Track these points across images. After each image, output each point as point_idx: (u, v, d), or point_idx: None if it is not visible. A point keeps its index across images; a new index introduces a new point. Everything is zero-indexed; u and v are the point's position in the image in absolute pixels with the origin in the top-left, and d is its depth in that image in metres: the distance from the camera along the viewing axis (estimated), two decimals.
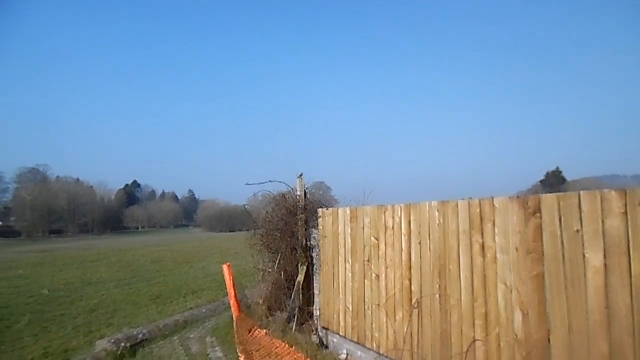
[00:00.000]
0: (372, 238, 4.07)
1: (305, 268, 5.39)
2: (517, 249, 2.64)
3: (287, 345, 4.44)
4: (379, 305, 3.92)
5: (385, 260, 3.87)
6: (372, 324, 4.01)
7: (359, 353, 4.22)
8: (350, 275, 4.41)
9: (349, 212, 4.49)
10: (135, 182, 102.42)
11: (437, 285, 3.25)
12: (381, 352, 3.84)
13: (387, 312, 3.79)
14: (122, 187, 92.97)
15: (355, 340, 4.25)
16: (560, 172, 59.81)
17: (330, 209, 4.94)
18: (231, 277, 6.00)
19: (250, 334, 5.06)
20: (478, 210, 2.94)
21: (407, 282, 3.58)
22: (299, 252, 5.48)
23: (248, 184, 6.08)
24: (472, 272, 2.95)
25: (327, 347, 4.78)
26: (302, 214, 5.55)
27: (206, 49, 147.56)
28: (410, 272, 3.55)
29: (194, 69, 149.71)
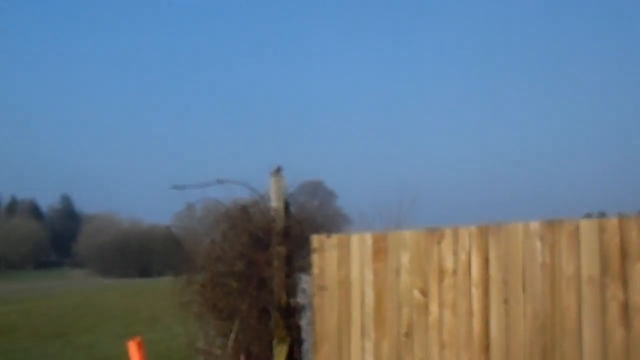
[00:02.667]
0: (416, 291, 2.92)
1: (285, 347, 3.72)
2: None
3: None
4: None
5: (441, 333, 2.77)
6: None
7: None
8: None
9: (370, 242, 3.24)
10: None
11: None
12: None
13: None
14: None
15: None
16: None
17: (335, 235, 3.60)
18: None
19: None
20: (617, 239, 2.14)
21: None
22: (273, 318, 3.78)
23: (176, 187, 4.05)
24: (606, 355, 2.11)
25: None
26: (280, 243, 4.00)
27: None
28: (488, 355, 2.54)
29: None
